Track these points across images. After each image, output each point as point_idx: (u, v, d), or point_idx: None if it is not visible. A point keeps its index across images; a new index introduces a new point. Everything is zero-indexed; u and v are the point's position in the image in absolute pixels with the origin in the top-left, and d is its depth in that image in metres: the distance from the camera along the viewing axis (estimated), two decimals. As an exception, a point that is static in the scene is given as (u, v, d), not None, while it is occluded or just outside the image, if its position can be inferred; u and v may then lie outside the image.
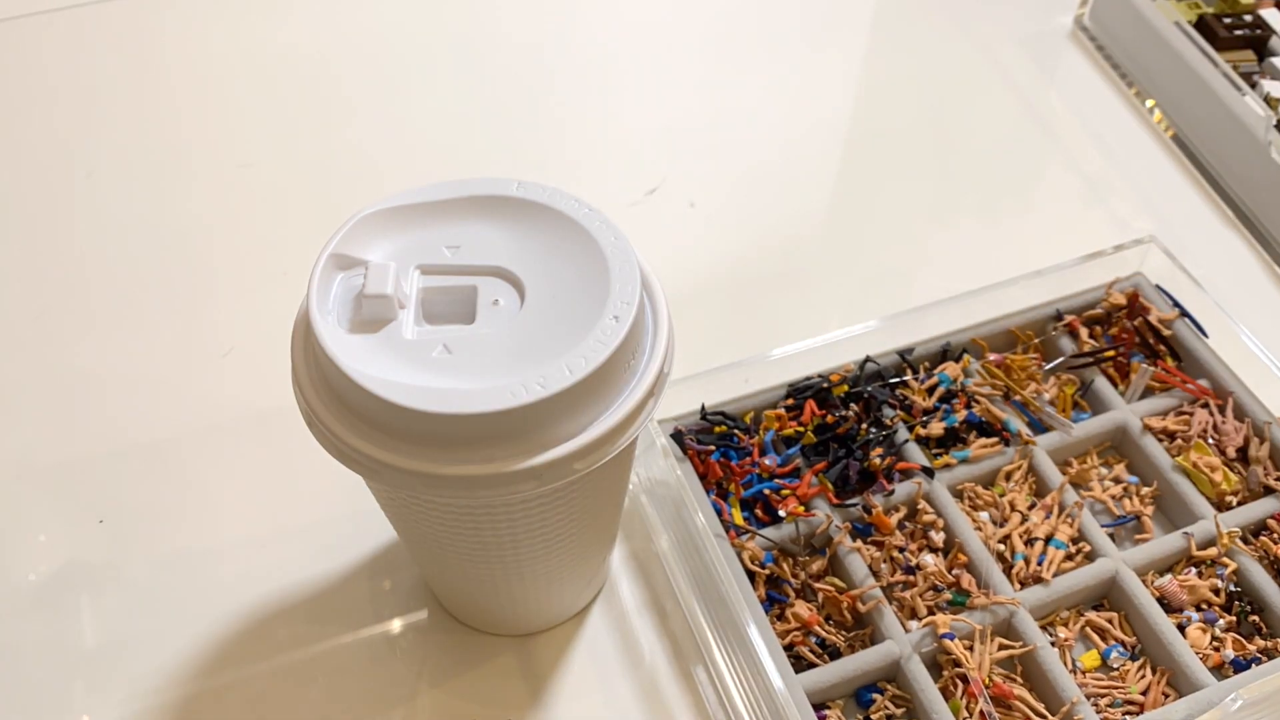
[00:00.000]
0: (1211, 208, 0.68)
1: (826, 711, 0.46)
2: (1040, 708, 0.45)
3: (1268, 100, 0.68)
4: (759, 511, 0.51)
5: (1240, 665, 0.47)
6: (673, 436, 0.52)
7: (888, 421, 0.53)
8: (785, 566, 0.49)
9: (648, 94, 0.75)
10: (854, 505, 0.50)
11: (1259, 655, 0.47)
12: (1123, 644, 0.48)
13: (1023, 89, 0.75)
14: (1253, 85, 0.69)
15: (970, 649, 0.47)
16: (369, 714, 0.48)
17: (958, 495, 0.52)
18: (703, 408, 0.53)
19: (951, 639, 0.46)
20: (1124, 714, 0.45)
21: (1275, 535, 0.50)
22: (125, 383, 0.59)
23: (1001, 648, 0.47)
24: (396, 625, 0.51)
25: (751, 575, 0.49)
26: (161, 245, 0.65)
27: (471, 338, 0.39)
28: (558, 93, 0.75)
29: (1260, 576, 0.49)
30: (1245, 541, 0.50)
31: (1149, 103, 0.73)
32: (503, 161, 0.69)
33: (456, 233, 0.41)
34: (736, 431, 0.52)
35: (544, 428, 0.37)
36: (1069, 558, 0.50)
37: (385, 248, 0.41)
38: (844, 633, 0.48)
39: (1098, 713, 0.45)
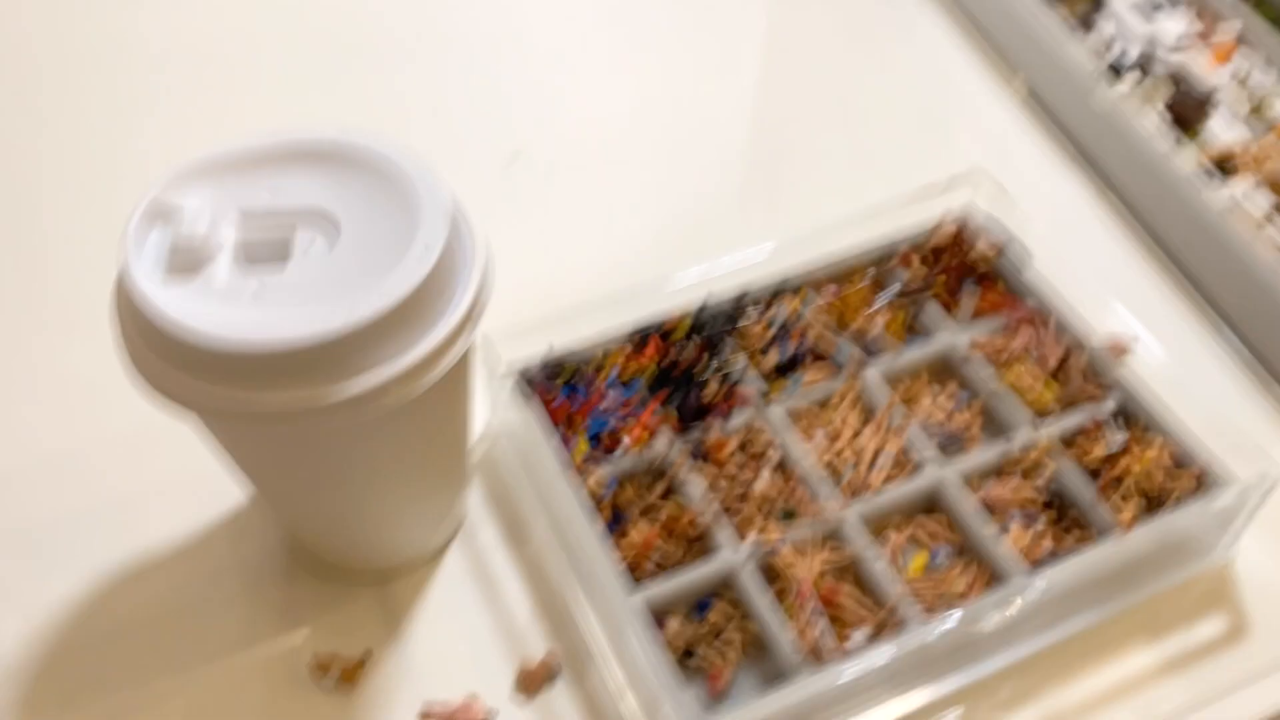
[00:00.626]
0: (1050, 144, 0.72)
1: (668, 618, 0.48)
2: (867, 602, 0.48)
3: (1104, 44, 0.72)
4: (605, 445, 0.53)
5: (1058, 558, 0.50)
6: (520, 377, 0.54)
7: (726, 356, 0.56)
8: (629, 492, 0.52)
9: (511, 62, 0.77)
10: (693, 433, 0.53)
11: (1076, 547, 0.50)
12: (949, 544, 0.51)
13: (879, 40, 0.78)
14: (1089, 29, 0.73)
15: (801, 556, 0.49)
16: (231, 656, 0.50)
17: (793, 420, 0.55)
18: (550, 350, 0.55)
19: (782, 547, 0.49)
20: (946, 608, 0.48)
21: (1091, 439, 0.53)
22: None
23: (831, 552, 0.50)
24: (258, 576, 0.52)
25: (597, 502, 0.51)
26: (11, 225, 0.67)
27: (287, 276, 0.41)
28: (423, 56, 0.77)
29: (1076, 478, 0.52)
30: (1065, 446, 0.53)
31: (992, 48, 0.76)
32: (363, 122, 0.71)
33: (277, 179, 0.43)
34: (582, 371, 0.55)
35: (357, 357, 0.39)
36: (897, 468, 0.53)
37: (205, 194, 0.43)
38: (684, 550, 0.51)
39: (922, 609, 0.48)
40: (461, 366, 0.44)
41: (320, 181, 0.43)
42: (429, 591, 0.52)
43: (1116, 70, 0.69)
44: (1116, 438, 0.53)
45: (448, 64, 0.77)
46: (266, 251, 0.42)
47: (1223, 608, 0.52)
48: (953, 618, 0.46)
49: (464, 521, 0.54)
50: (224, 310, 0.40)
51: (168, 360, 0.40)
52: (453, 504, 0.53)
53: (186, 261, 0.41)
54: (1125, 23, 0.72)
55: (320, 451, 0.43)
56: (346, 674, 0.49)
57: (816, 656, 0.46)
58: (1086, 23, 0.73)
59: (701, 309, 0.57)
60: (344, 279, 0.40)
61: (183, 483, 0.54)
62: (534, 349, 0.55)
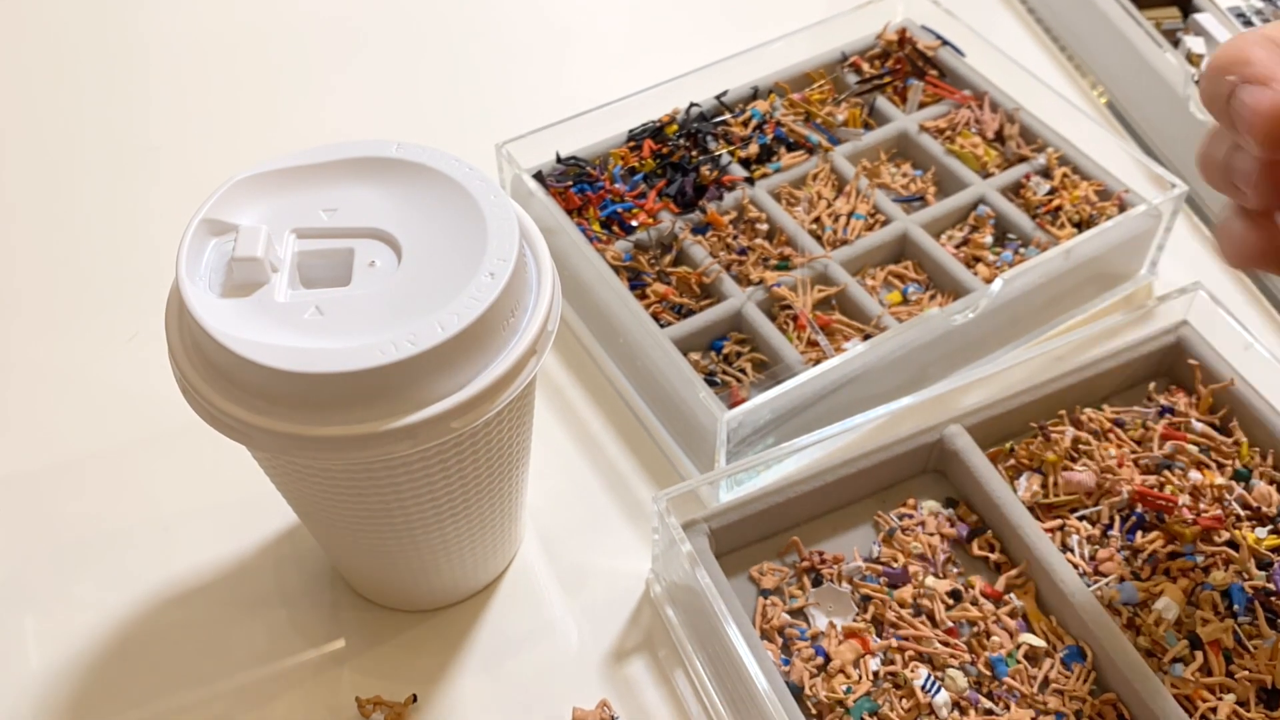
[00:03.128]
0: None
1: (689, 355, 0.58)
2: (855, 324, 0.59)
3: (1189, 57, 0.72)
4: (616, 229, 0.63)
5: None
6: (535, 177, 0.64)
7: (712, 148, 0.66)
8: (642, 260, 0.62)
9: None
10: (693, 213, 0.63)
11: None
12: (917, 282, 0.62)
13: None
14: (1176, 43, 0.73)
15: (796, 295, 0.60)
16: (274, 693, 0.50)
17: (776, 197, 0.65)
18: (557, 154, 0.65)
19: (779, 287, 0.59)
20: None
21: (1029, 189, 0.64)
22: (24, 369, 0.62)
23: (819, 291, 0.60)
24: (301, 605, 0.53)
25: (616, 271, 0.61)
26: (62, 231, 0.69)
27: (346, 299, 0.39)
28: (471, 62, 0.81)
29: (1021, 218, 0.63)
30: (1013, 194, 0.64)
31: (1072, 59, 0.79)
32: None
33: (333, 195, 0.42)
34: (589, 170, 0.65)
35: (418, 386, 0.38)
36: (869, 227, 0.63)
37: (259, 212, 0.41)
38: (696, 300, 0.61)
39: (899, 320, 0.58)
40: (525, 394, 0.43)
41: (378, 198, 0.42)
42: (479, 627, 0.52)
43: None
44: (1044, 184, 0.64)
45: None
46: (325, 272, 0.41)
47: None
48: (931, 314, 0.56)
49: (517, 552, 0.55)
50: (280, 332, 0.38)
51: (220, 384, 0.39)
52: (506, 539, 0.52)
53: (242, 283, 0.40)
54: (1215, 39, 0.72)
55: (371, 486, 0.42)
56: (392, 718, 0.49)
57: (818, 362, 0.56)
58: (1172, 37, 0.73)
59: (688, 110, 0.67)
60: (407, 302, 0.39)
61: (230, 502, 0.56)
62: (542, 146, 0.64)
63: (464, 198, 0.42)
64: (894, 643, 0.49)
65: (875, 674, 0.48)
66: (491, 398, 0.39)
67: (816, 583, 0.51)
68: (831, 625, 0.49)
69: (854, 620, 0.49)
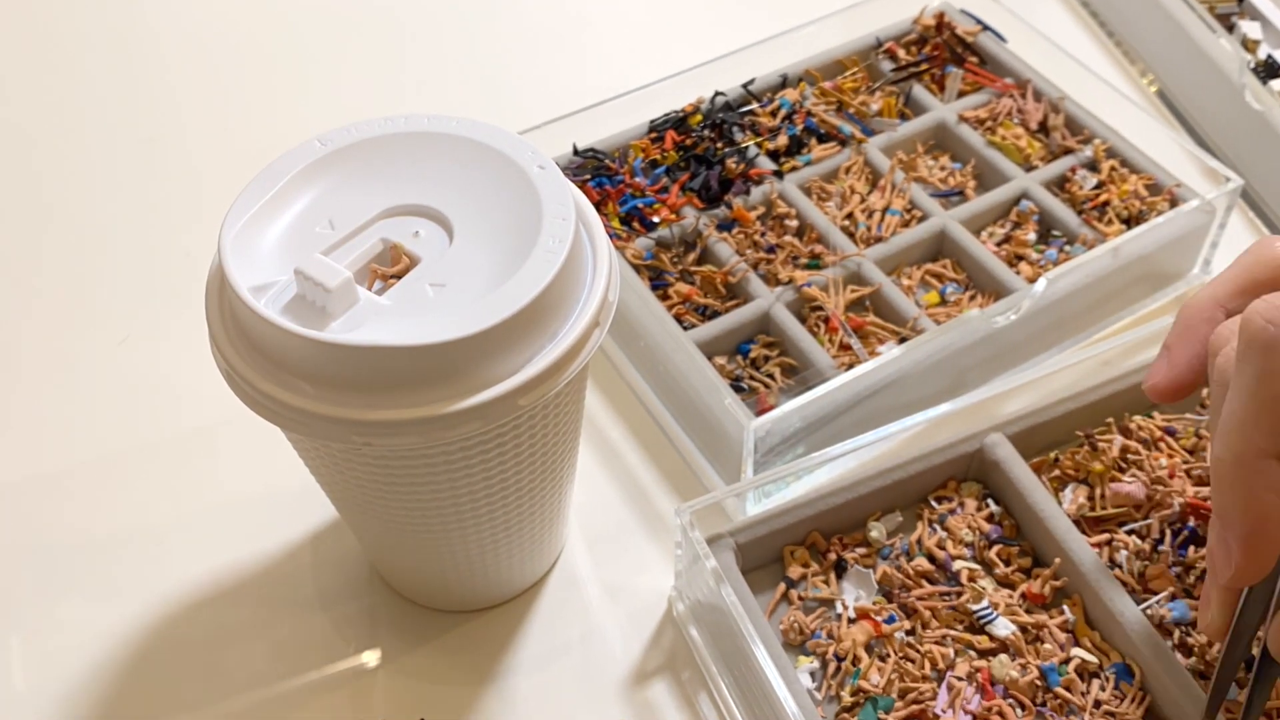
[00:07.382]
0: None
1: (714, 359, 0.58)
2: (890, 326, 0.59)
3: (1244, 43, 0.73)
4: (637, 225, 0.63)
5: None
6: (552, 171, 0.64)
7: (739, 140, 0.66)
8: (664, 259, 0.62)
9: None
10: (718, 208, 0.63)
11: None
12: (956, 282, 0.62)
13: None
14: (1230, 28, 0.74)
15: (827, 295, 0.60)
16: (316, 696, 0.51)
17: (806, 191, 0.65)
18: (574, 146, 0.65)
19: (810, 287, 0.59)
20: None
21: (1074, 183, 0.64)
22: (13, 374, 0.63)
23: (852, 292, 0.60)
24: (340, 605, 0.53)
25: (636, 270, 0.61)
26: (53, 227, 0.70)
27: (403, 282, 0.40)
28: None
29: (1066, 214, 0.63)
30: (1057, 189, 0.65)
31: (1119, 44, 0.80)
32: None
33: (377, 172, 0.43)
34: (608, 163, 0.65)
35: (482, 364, 0.38)
36: (904, 224, 0.63)
37: (306, 194, 0.43)
38: (722, 301, 0.61)
39: (936, 322, 0.58)
40: (584, 372, 0.43)
41: (423, 173, 0.43)
42: (495, 643, 0.53)
43: (1265, 73, 0.70)
44: (1091, 178, 0.64)
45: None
46: (377, 254, 0.42)
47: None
48: (970, 315, 0.56)
49: (559, 556, 0.55)
50: (339, 320, 0.39)
51: (272, 371, 0.39)
52: (551, 536, 0.52)
53: (310, 308, 0.40)
54: (1272, 23, 0.73)
55: (427, 474, 0.42)
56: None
57: (851, 367, 0.56)
58: (1226, 22, 0.74)
59: (713, 99, 0.67)
60: (465, 279, 0.40)
61: (227, 510, 0.57)
62: (558, 138, 0.65)
63: (510, 168, 0.42)
64: (919, 641, 0.49)
65: (885, 657, 0.48)
66: (557, 373, 0.40)
67: (840, 572, 0.51)
68: (844, 605, 0.49)
69: (871, 601, 0.50)
